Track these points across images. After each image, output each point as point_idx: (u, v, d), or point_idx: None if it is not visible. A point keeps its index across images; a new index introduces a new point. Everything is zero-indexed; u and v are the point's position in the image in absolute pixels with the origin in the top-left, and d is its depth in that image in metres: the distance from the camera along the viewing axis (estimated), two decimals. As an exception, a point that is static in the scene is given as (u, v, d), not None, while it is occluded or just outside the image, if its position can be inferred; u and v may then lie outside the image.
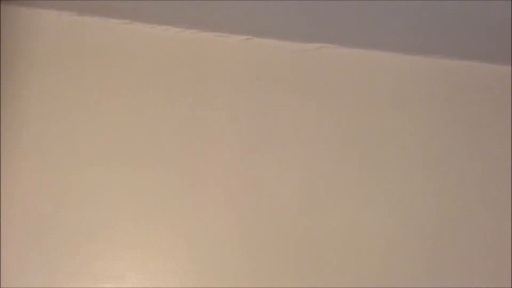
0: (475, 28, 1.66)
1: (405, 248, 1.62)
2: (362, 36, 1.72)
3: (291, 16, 1.64)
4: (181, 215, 1.56)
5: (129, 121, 1.61)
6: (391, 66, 1.77)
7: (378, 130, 1.72)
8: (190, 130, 1.63)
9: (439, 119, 1.75)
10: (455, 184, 1.70)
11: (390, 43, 1.75)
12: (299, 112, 1.70)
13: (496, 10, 1.57)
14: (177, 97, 1.65)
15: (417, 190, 1.68)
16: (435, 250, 1.63)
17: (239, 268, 1.55)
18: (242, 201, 1.60)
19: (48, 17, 1.63)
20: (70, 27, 1.64)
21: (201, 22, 1.67)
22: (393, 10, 1.59)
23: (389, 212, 1.65)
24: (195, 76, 1.67)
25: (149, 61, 1.66)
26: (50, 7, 1.63)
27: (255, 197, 1.61)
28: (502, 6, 1.55)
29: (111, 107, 1.61)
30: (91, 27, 1.65)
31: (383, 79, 1.76)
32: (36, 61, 1.61)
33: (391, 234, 1.63)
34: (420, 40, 1.73)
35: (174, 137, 1.62)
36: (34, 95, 1.59)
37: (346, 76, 1.75)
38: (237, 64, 1.70)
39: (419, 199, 1.67)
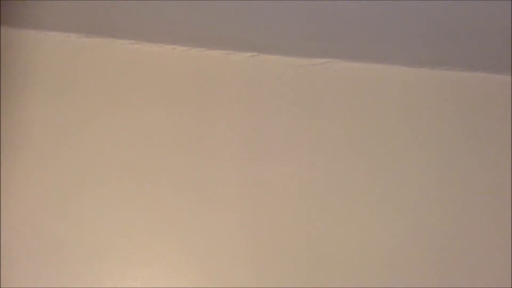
0: (475, 39, 1.67)
1: (409, 251, 1.63)
2: (366, 50, 1.74)
3: (296, 32, 1.65)
4: (191, 232, 1.57)
5: (137, 139, 1.62)
6: (394, 78, 1.79)
7: (383, 141, 1.73)
8: (197, 147, 1.64)
9: (442, 130, 1.77)
10: (458, 191, 1.71)
11: (393, 56, 1.76)
12: (306, 126, 1.71)
13: (496, 21, 1.59)
14: (185, 115, 1.66)
15: (420, 197, 1.69)
16: (440, 253, 1.64)
17: (249, 283, 1.54)
18: (251, 216, 1.61)
19: (57, 39, 1.65)
20: (78, 49, 1.66)
21: (207, 40, 1.69)
22: (395, 24, 1.61)
23: (393, 218, 1.66)
24: (202, 94, 1.69)
25: (156, 80, 1.68)
26: (58, 29, 1.64)
27: (264, 211, 1.61)
28: (502, 17, 1.57)
29: (119, 125, 1.62)
30: (99, 48, 1.67)
31: (387, 92, 1.78)
32: (42, 82, 1.62)
33: (396, 238, 1.64)
34: (423, 53, 1.75)
35: (182, 153, 1.63)
36: (41, 115, 1.60)
37: (352, 90, 1.76)
38: (243, 81, 1.72)
39: (423, 206, 1.68)
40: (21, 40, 1.63)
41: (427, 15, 1.57)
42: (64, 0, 1.52)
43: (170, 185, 1.60)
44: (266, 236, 1.59)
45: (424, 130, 1.76)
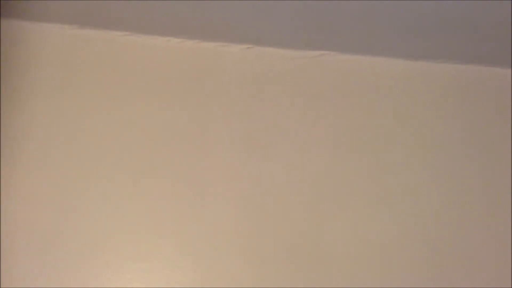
0: (474, 32, 1.67)
1: (408, 251, 1.62)
2: (361, 43, 1.73)
3: (291, 24, 1.65)
4: (187, 225, 1.56)
5: (132, 131, 1.62)
6: (391, 71, 1.78)
7: (380, 135, 1.72)
8: (193, 139, 1.64)
9: (440, 123, 1.76)
10: (457, 187, 1.70)
11: (390, 49, 1.76)
12: (301, 119, 1.70)
13: (495, 14, 1.58)
14: (180, 107, 1.66)
15: (419, 193, 1.68)
16: (439, 253, 1.63)
17: (245, 278, 1.54)
18: (248, 210, 1.60)
19: (51, 30, 1.65)
20: (72, 40, 1.66)
21: (202, 32, 1.69)
22: (392, 16, 1.60)
23: (392, 215, 1.65)
24: (197, 86, 1.68)
25: (151, 71, 1.68)
26: (53, 20, 1.65)
27: (261, 205, 1.61)
28: (501, 9, 1.56)
29: (114, 117, 1.62)
30: (93, 39, 1.67)
31: (383, 84, 1.77)
32: (38, 74, 1.62)
33: (395, 236, 1.63)
34: (420, 45, 1.74)
35: (177, 146, 1.62)
36: (37, 107, 1.60)
37: (348, 82, 1.76)
38: (238, 73, 1.72)
39: (422, 203, 1.67)
40: (15, 31, 1.63)
41: (425, 7, 1.56)
42: (58, -8, 1.53)
43: (166, 179, 1.59)
44: (262, 231, 1.59)
45: (421, 123, 1.75)
